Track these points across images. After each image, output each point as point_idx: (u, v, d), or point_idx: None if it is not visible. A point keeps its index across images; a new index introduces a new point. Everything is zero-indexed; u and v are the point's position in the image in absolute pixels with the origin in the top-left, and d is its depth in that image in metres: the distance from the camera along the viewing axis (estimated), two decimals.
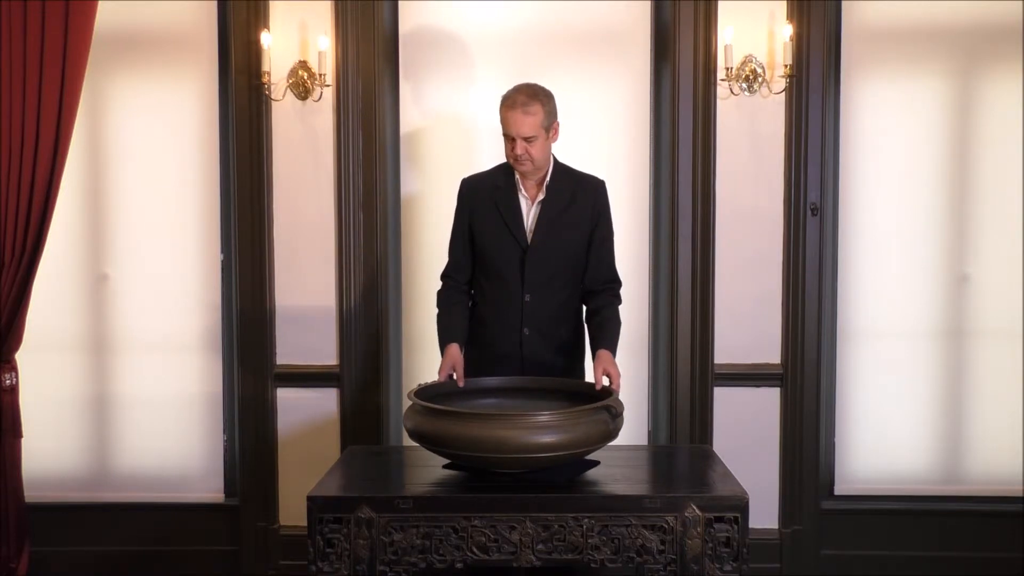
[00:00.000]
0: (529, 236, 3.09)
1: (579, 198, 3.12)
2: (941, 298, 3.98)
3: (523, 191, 3.11)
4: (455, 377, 3.01)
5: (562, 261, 3.11)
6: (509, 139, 3.02)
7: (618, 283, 3.21)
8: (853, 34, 3.91)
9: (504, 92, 3.05)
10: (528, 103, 2.98)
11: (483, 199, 3.14)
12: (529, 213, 3.11)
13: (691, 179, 3.85)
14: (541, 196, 3.10)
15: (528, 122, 2.97)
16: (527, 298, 3.08)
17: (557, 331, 3.13)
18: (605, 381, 2.88)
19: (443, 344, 3.10)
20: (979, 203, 3.95)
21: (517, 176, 3.11)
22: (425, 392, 2.85)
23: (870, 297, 3.98)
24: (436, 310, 3.23)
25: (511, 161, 3.06)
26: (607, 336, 3.06)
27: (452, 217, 3.23)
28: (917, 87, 3.93)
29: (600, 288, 3.16)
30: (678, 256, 3.88)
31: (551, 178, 3.11)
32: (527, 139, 2.98)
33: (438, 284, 3.26)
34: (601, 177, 3.21)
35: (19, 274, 3.56)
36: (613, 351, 3.02)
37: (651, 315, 4.03)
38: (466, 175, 3.26)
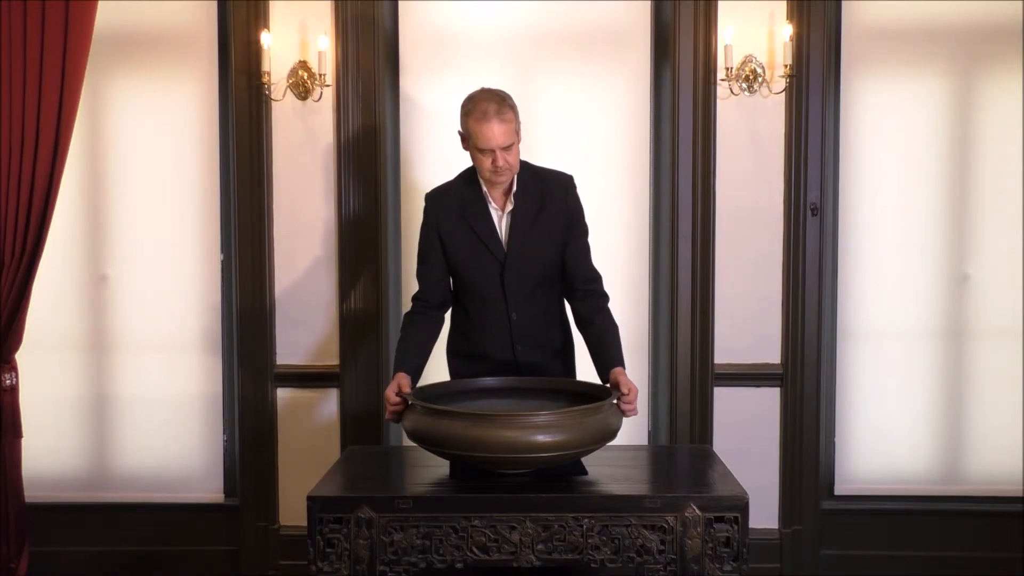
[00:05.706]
0: (504, 250, 2.93)
1: (549, 201, 2.93)
2: (941, 298, 3.98)
3: (492, 202, 2.94)
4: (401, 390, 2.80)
5: (541, 270, 2.96)
6: (487, 153, 2.81)
7: (600, 280, 3.03)
8: (853, 34, 3.91)
9: (465, 105, 2.85)
10: (501, 110, 2.79)
11: (452, 214, 2.95)
12: (501, 224, 2.94)
13: (691, 179, 3.85)
14: (510, 207, 2.92)
15: (505, 130, 2.78)
16: (514, 317, 2.96)
17: (548, 338, 3.06)
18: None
19: (394, 372, 2.91)
20: (979, 203, 3.95)
21: (484, 187, 2.93)
22: (422, 393, 2.85)
23: (870, 297, 3.98)
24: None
25: (489, 175, 2.86)
26: (613, 349, 2.90)
27: None
28: (917, 87, 3.93)
29: (583, 288, 3.00)
30: (678, 256, 3.88)
31: (517, 185, 2.91)
32: (505, 148, 2.80)
33: None
34: (569, 172, 3.03)
35: (19, 274, 3.56)
36: (624, 365, 2.87)
37: (651, 315, 4.03)
38: (430, 188, 3.10)
